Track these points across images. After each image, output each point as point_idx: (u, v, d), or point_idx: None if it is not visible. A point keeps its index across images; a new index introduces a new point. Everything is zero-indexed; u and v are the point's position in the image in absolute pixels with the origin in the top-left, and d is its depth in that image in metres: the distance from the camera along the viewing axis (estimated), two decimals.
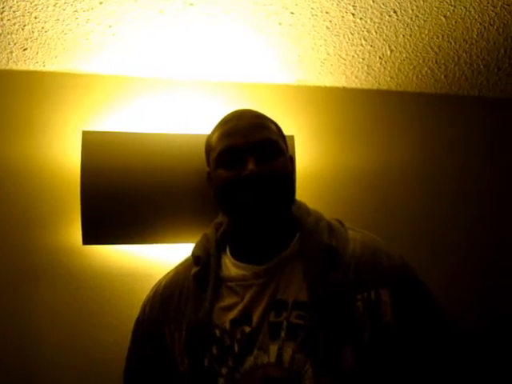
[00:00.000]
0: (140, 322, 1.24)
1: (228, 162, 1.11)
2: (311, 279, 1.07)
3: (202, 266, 1.17)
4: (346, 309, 1.04)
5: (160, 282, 1.27)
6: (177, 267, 1.28)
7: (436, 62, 1.93)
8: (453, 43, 1.80)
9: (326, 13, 1.59)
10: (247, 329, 1.08)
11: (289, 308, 1.07)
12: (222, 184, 1.11)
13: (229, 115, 1.19)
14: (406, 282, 1.12)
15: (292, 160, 1.21)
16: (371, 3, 1.55)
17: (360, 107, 2.15)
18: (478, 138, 2.26)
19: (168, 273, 1.28)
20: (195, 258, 1.20)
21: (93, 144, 1.74)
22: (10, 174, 1.80)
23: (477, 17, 1.64)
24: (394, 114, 2.18)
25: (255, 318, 1.08)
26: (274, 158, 1.11)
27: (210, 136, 1.20)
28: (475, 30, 1.72)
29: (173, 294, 1.20)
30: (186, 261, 1.26)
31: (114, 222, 1.72)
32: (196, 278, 1.17)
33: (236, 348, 1.07)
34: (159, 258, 1.82)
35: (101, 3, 1.49)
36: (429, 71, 2.01)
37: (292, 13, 1.58)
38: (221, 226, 1.24)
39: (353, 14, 1.60)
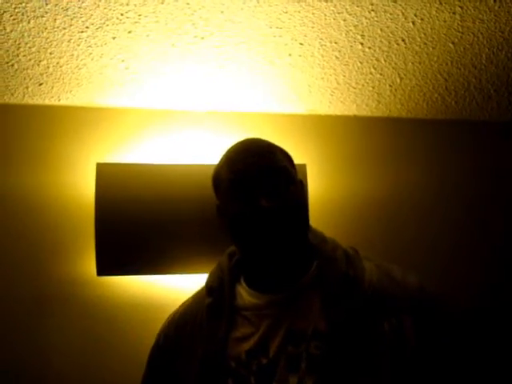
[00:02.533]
0: (154, 352, 1.22)
1: (239, 196, 1.06)
2: (330, 308, 1.04)
3: (215, 297, 1.14)
4: (366, 338, 1.01)
5: (176, 311, 1.24)
6: (193, 296, 1.25)
7: (446, 88, 1.94)
8: (462, 69, 1.81)
9: (335, 43, 1.61)
10: (264, 360, 1.04)
11: (307, 338, 1.03)
12: (234, 218, 1.07)
13: (236, 146, 1.15)
14: (425, 308, 1.07)
15: (302, 184, 1.17)
16: (379, 32, 1.57)
17: (371, 135, 2.15)
18: (490, 163, 2.25)
19: (184, 302, 1.25)
20: (208, 289, 1.17)
21: (107, 176, 1.76)
22: (26, 206, 1.83)
23: (485, 42, 1.65)
24: (406, 141, 2.18)
25: (272, 349, 1.04)
26: (286, 188, 1.07)
27: (217, 168, 1.15)
28: (484, 55, 1.73)
29: (187, 325, 1.17)
30: (202, 290, 1.21)
31: (128, 253, 1.73)
32: (209, 308, 1.13)
33: (253, 380, 1.03)
34: (173, 288, 1.82)
35: (114, 38, 1.53)
36: (439, 97, 2.02)
37: (301, 44, 1.61)
38: (234, 255, 1.20)
39: (361, 44, 1.62)
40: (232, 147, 1.15)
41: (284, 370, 1.02)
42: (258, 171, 1.06)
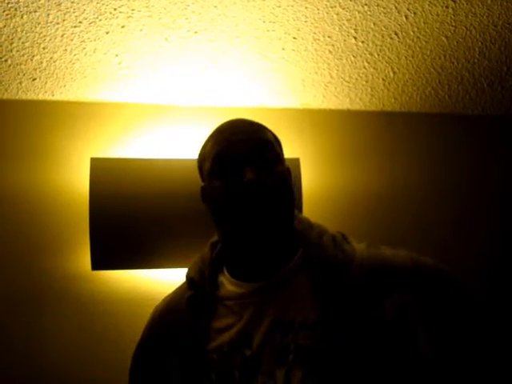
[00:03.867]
0: (138, 349, 1.19)
1: (223, 171, 1.02)
2: (319, 296, 0.98)
3: (196, 289, 1.10)
4: (361, 324, 0.94)
5: (157, 307, 1.21)
6: (174, 291, 1.20)
7: (439, 82, 1.95)
8: (455, 63, 1.82)
9: (328, 37, 1.62)
10: (248, 352, 0.99)
11: (295, 329, 0.97)
12: (219, 196, 1.02)
13: (221, 124, 1.10)
14: (426, 282, 1.00)
15: (290, 172, 1.09)
16: (372, 26, 1.57)
17: (365, 129, 2.16)
18: (484, 157, 2.26)
19: (166, 297, 1.21)
20: (189, 281, 1.13)
21: (101, 170, 1.76)
22: (19, 201, 1.83)
23: (478, 36, 1.66)
24: (399, 135, 2.19)
25: (256, 340, 0.99)
26: (273, 166, 1.03)
27: (202, 147, 1.11)
28: (477, 49, 1.73)
29: (169, 319, 1.13)
30: (184, 283, 1.17)
31: (122, 248, 1.73)
32: (190, 300, 1.09)
33: (236, 374, 0.99)
34: (168, 282, 1.82)
35: (107, 33, 1.52)
36: (432, 91, 2.03)
37: (294, 38, 1.61)
38: (217, 245, 1.16)
39: (355, 38, 1.63)
40: (219, 126, 1.11)
41: (270, 362, 0.97)
42: (244, 148, 1.02)
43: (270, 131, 1.11)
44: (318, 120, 2.12)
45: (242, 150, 1.02)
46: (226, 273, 1.11)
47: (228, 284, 1.09)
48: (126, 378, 1.21)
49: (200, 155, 1.12)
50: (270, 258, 1.05)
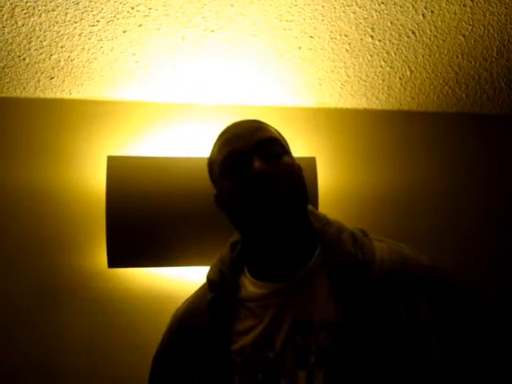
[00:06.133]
0: (159, 352, 1.18)
1: (232, 170, 1.02)
2: (339, 295, 0.97)
3: (217, 291, 1.09)
4: (379, 326, 0.93)
5: (178, 310, 1.19)
6: (195, 293, 1.19)
7: (457, 81, 1.93)
8: (473, 62, 1.80)
9: (345, 36, 1.61)
10: (270, 354, 0.98)
11: (315, 329, 0.96)
12: (231, 195, 1.02)
13: (225, 128, 1.12)
14: (442, 287, 1.00)
15: (300, 169, 1.09)
16: (389, 25, 1.56)
17: (381, 128, 2.15)
18: (501, 156, 2.24)
19: (187, 299, 1.20)
20: (210, 283, 1.12)
21: (118, 169, 1.77)
22: (37, 198, 1.84)
23: (496, 35, 1.64)
24: (416, 135, 2.17)
25: (278, 342, 0.98)
26: (280, 157, 1.03)
27: (209, 155, 1.12)
28: (495, 48, 1.72)
29: (190, 323, 1.12)
30: (204, 285, 1.16)
31: (139, 246, 1.74)
32: (211, 303, 1.08)
33: (260, 377, 0.98)
34: (184, 280, 1.83)
35: (124, 32, 1.53)
36: (450, 91, 2.01)
37: (311, 37, 1.61)
38: (237, 245, 1.15)
39: (371, 37, 1.62)
40: (222, 130, 1.12)
41: (292, 364, 0.96)
42: (249, 144, 1.02)
43: (273, 128, 1.11)
44: (335, 119, 2.12)
45: (247, 146, 1.02)
46: (247, 273, 1.10)
47: (249, 285, 1.08)
48: (141, 376, 1.21)
49: (208, 162, 1.13)
50: (288, 256, 1.04)
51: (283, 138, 1.12)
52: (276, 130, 1.12)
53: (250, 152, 1.01)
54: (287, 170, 1.02)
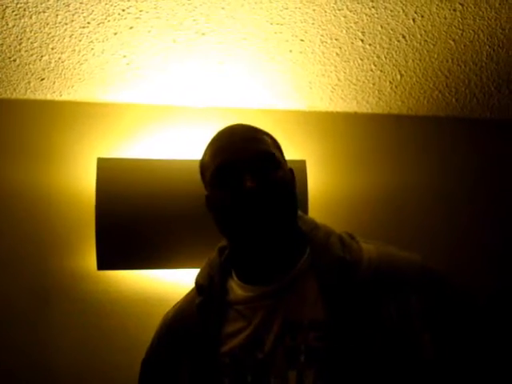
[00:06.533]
0: (148, 355, 1.19)
1: (223, 181, 1.02)
2: (327, 296, 0.98)
3: (205, 295, 1.10)
4: (369, 325, 0.94)
5: (167, 314, 1.20)
6: (185, 297, 1.20)
7: (446, 85, 1.95)
8: (463, 66, 1.82)
9: (336, 40, 1.62)
10: (260, 355, 0.99)
11: (304, 329, 0.97)
12: (221, 205, 1.03)
13: (219, 132, 1.11)
14: (433, 286, 1.00)
15: (292, 172, 1.11)
16: (380, 29, 1.57)
17: (371, 132, 2.16)
18: (491, 160, 2.25)
19: (176, 303, 1.21)
20: (198, 287, 1.13)
21: (107, 170, 1.77)
22: (26, 199, 1.84)
23: (486, 40, 1.66)
24: (406, 138, 2.19)
25: (268, 343, 0.99)
26: (273, 172, 1.02)
27: (202, 157, 1.12)
28: (485, 52, 1.73)
29: (179, 326, 1.13)
30: (193, 290, 1.17)
31: (128, 248, 1.74)
32: (200, 307, 1.09)
33: (249, 378, 0.99)
34: (174, 283, 1.83)
35: (115, 34, 1.53)
36: (440, 95, 2.02)
37: (302, 40, 1.61)
38: (225, 249, 1.16)
39: (362, 40, 1.63)
40: (217, 134, 1.11)
41: (282, 364, 0.97)
42: (243, 157, 1.02)
43: (267, 135, 1.11)
44: (325, 122, 2.12)
45: (240, 159, 1.02)
46: (234, 277, 1.11)
47: (237, 288, 1.09)
48: (132, 377, 1.22)
49: (200, 165, 1.13)
50: (277, 261, 1.05)
51: (277, 144, 1.12)
52: (269, 137, 1.11)
53: (243, 167, 1.01)
54: (278, 187, 1.02)
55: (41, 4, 1.39)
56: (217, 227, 1.08)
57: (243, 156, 1.02)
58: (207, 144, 1.11)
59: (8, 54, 1.62)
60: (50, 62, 1.67)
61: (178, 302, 1.21)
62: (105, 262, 1.74)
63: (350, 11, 1.48)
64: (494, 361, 1.01)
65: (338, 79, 1.86)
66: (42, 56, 1.63)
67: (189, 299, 1.16)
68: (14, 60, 1.65)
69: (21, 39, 1.54)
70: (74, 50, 1.61)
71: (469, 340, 1.00)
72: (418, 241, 2.07)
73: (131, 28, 1.51)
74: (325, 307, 0.98)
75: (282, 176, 1.04)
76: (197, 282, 1.14)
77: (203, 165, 1.11)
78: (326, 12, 1.48)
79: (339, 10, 1.47)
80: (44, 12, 1.42)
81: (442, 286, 1.02)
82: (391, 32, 1.59)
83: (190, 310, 1.12)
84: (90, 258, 1.80)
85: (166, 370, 1.11)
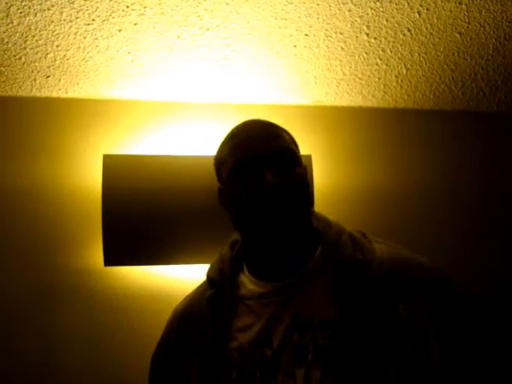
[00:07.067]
0: (158, 349, 1.20)
1: (243, 176, 1.02)
2: (338, 295, 0.99)
3: (216, 288, 1.10)
4: (379, 326, 0.94)
5: (178, 306, 1.21)
6: (195, 290, 1.20)
7: (453, 78, 1.93)
8: (469, 60, 1.80)
9: (340, 34, 1.61)
10: (268, 352, 1.00)
11: (314, 328, 0.97)
12: (240, 199, 1.02)
13: (238, 127, 1.10)
14: (442, 289, 1.01)
15: (306, 170, 1.10)
16: (385, 23, 1.56)
17: (377, 126, 2.15)
18: (497, 154, 2.24)
19: (187, 296, 1.21)
20: (210, 281, 1.13)
21: (113, 167, 1.77)
22: (32, 198, 1.85)
23: (492, 32, 1.64)
24: (412, 132, 2.18)
25: (276, 340, 1.00)
26: (292, 169, 1.03)
27: (219, 150, 1.11)
28: (491, 45, 1.72)
29: (189, 319, 1.13)
30: (204, 283, 1.18)
31: (135, 244, 1.74)
32: (210, 300, 1.10)
33: (258, 375, 0.99)
34: (181, 279, 1.83)
35: (120, 30, 1.53)
36: (446, 88, 2.01)
37: (306, 35, 1.61)
38: (237, 244, 1.16)
39: (367, 34, 1.62)
40: (235, 128, 1.10)
41: (290, 361, 0.98)
42: (263, 153, 1.02)
43: (285, 131, 1.11)
44: (331, 117, 2.12)
45: (261, 154, 1.01)
46: (246, 272, 1.11)
47: (248, 283, 1.09)
48: (139, 374, 1.22)
49: (217, 159, 1.12)
50: (290, 258, 1.05)
51: (294, 140, 1.12)
52: (288, 135, 1.11)
53: (263, 162, 1.01)
54: (298, 184, 1.03)
55: (45, 2, 1.39)
56: (231, 221, 1.08)
57: (264, 152, 1.02)
58: (224, 139, 1.11)
59: (13, 52, 1.62)
60: (55, 60, 1.67)
61: (187, 295, 1.22)
62: (111, 258, 1.75)
63: (355, 5, 1.48)
64: (498, 364, 1.02)
65: (343, 74, 1.86)
66: (47, 53, 1.64)
67: (199, 292, 1.17)
68: (20, 58, 1.65)
69: (26, 37, 1.55)
70: (79, 47, 1.62)
71: (474, 343, 1.01)
72: (424, 235, 2.07)
73: (135, 24, 1.51)
74: (335, 306, 0.98)
75: (300, 173, 1.05)
76: (208, 276, 1.15)
77: (220, 159, 1.10)
78: (330, 6, 1.48)
79: (344, 3, 1.47)
80: (49, 10, 1.43)
81: (451, 290, 1.03)
82: (396, 26, 1.58)
83: (200, 303, 1.13)
84: (97, 254, 1.80)
85: (176, 363, 1.12)
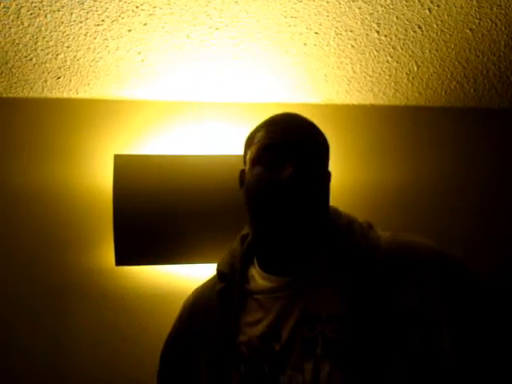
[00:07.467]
0: (168, 342, 1.21)
1: (267, 160, 1.02)
2: (347, 288, 0.98)
3: (226, 282, 1.11)
4: (389, 317, 0.94)
5: (187, 299, 1.22)
6: (205, 283, 1.22)
7: (464, 75, 1.92)
8: (480, 56, 1.79)
9: (351, 31, 1.60)
10: (277, 346, 1.00)
11: (322, 321, 0.97)
12: (256, 182, 1.03)
13: (278, 114, 1.11)
14: (453, 274, 0.99)
15: (330, 176, 1.13)
16: (395, 20, 1.55)
17: (388, 124, 2.14)
18: (510, 151, 2.22)
19: (196, 289, 1.23)
20: (219, 274, 1.14)
21: (124, 167, 1.78)
22: (43, 198, 1.86)
23: (503, 29, 1.63)
24: (423, 130, 2.16)
25: (285, 334, 1.00)
26: (315, 170, 1.03)
27: (253, 131, 1.11)
28: (502, 42, 1.70)
29: (199, 313, 1.15)
30: (214, 277, 1.18)
31: (146, 243, 1.75)
32: (220, 294, 1.10)
33: (266, 368, 1.00)
34: (192, 278, 1.83)
35: (129, 31, 1.54)
36: (457, 85, 2.00)
37: (316, 33, 1.60)
38: (247, 238, 1.16)
39: (377, 32, 1.61)
40: (275, 115, 1.11)
41: (298, 355, 0.97)
42: (292, 145, 1.02)
43: (322, 136, 1.11)
44: (341, 115, 2.11)
45: (290, 145, 1.02)
46: (256, 266, 1.11)
47: (258, 278, 1.09)
48: (148, 373, 1.22)
49: (248, 139, 1.12)
50: (299, 251, 1.06)
51: (326, 147, 1.12)
52: (323, 138, 1.11)
53: (289, 153, 1.01)
54: (315, 185, 1.03)
55: (55, 3, 1.40)
56: (244, 203, 1.08)
57: (293, 144, 1.02)
58: (261, 122, 1.11)
59: (24, 54, 1.63)
60: (65, 61, 1.68)
61: (197, 288, 1.23)
62: (123, 258, 1.75)
63: (365, 2, 1.47)
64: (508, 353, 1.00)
65: (354, 71, 1.85)
66: (57, 54, 1.64)
67: (209, 286, 1.18)
68: (31, 59, 1.66)
69: (36, 38, 1.55)
70: (89, 48, 1.62)
71: (487, 328, 0.99)
72: (436, 232, 2.05)
73: (145, 24, 1.51)
74: (344, 300, 0.98)
75: (322, 176, 1.06)
76: (218, 269, 1.16)
77: (251, 139, 1.11)
78: (340, 4, 1.47)
79: (353, 1, 1.46)
80: (59, 11, 1.43)
81: (462, 275, 1.01)
82: (407, 23, 1.57)
83: (210, 297, 1.14)
84: (108, 254, 1.81)
85: (186, 356, 1.13)
